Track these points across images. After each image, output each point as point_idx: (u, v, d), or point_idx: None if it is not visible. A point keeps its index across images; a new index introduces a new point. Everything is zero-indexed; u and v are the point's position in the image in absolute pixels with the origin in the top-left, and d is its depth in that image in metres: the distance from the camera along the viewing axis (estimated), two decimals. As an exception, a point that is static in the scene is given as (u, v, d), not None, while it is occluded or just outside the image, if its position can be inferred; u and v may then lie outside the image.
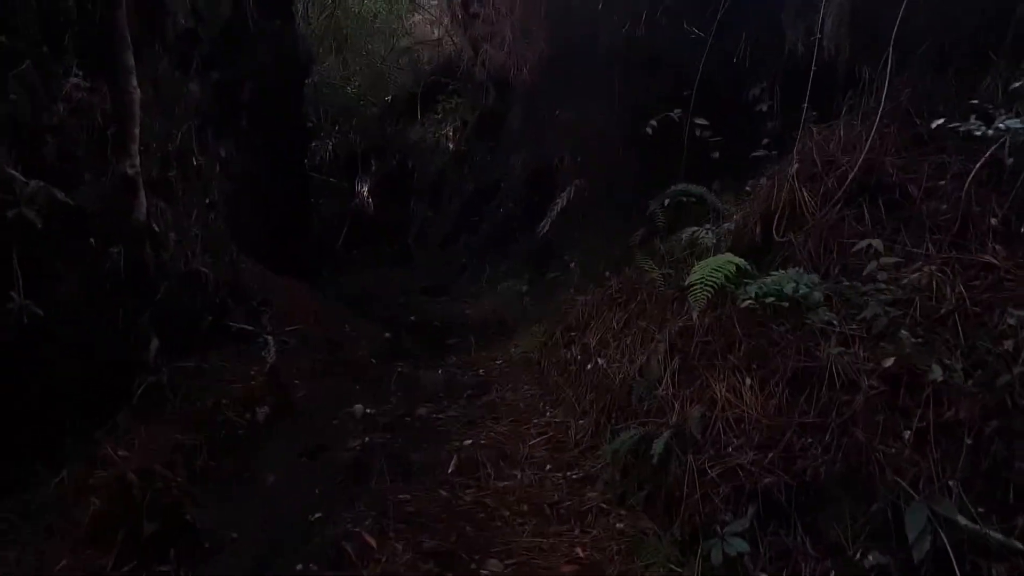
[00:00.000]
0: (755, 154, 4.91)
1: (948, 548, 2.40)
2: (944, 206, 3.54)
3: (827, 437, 2.89)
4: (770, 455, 2.99)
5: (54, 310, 4.18)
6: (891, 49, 3.84)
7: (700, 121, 5.62)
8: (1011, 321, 2.79)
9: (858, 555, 2.59)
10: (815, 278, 3.43)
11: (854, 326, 3.20)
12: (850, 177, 3.80)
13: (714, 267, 3.68)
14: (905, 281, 3.22)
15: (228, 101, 7.48)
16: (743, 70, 5.69)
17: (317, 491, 3.96)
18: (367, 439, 4.51)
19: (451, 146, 12.95)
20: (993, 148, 3.42)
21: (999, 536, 2.39)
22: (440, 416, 5.00)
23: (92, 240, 4.63)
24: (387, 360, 6.42)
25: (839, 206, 3.83)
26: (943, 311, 3.05)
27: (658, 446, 3.34)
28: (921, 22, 4.01)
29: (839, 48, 4.59)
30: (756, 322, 3.59)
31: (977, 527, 2.42)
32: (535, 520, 3.53)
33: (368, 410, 5.03)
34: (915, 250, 3.43)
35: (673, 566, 3.02)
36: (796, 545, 2.75)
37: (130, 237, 4.84)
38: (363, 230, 13.47)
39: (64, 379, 4.27)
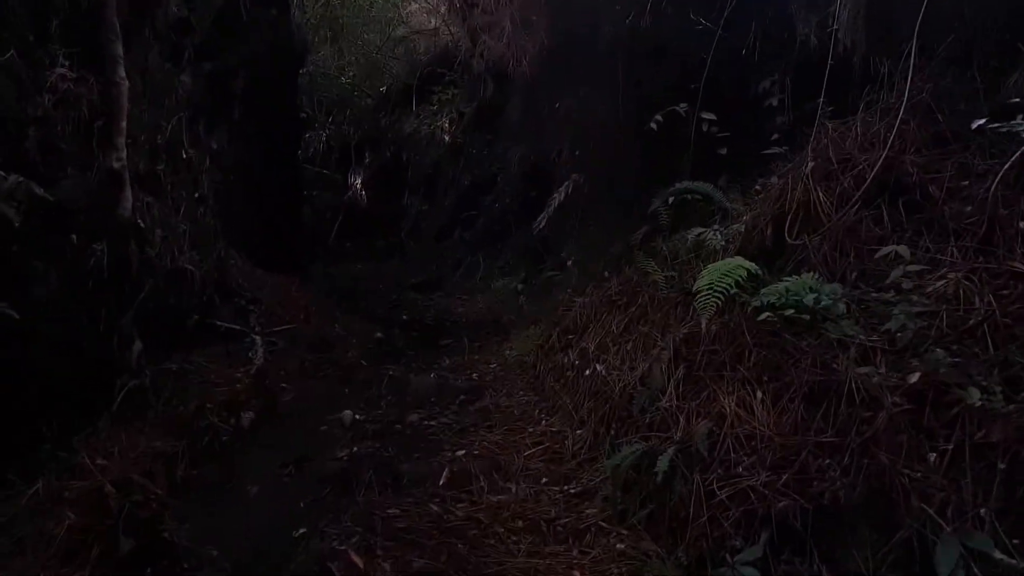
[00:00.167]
0: (767, 151, 4.68)
1: (981, 585, 2.21)
2: (968, 208, 3.33)
3: (846, 458, 2.68)
4: (784, 476, 2.78)
5: (31, 310, 4.02)
6: (914, 41, 3.63)
7: (707, 115, 5.41)
8: (1046, 335, 2.60)
9: (880, 587, 2.40)
10: (837, 288, 3.21)
11: (876, 337, 3.00)
12: (869, 176, 3.58)
13: (723, 272, 3.48)
14: (930, 289, 3.02)
15: (220, 92, 7.29)
16: (752, 63, 5.48)
17: (302, 504, 3.79)
18: (355, 448, 4.34)
19: (447, 138, 12.74)
20: (1023, 149, 3.21)
21: (1038, 572, 2.20)
22: (432, 423, 4.81)
23: (74, 236, 4.49)
24: (378, 362, 6.28)
25: (856, 207, 3.61)
26: (971, 322, 2.85)
27: (662, 463, 3.14)
28: (943, 14, 3.80)
29: (855, 42, 4.37)
30: (768, 331, 3.38)
31: (1014, 562, 2.24)
32: (531, 538, 3.34)
33: (357, 416, 4.87)
34: (939, 256, 3.22)
35: (679, 593, 2.84)
36: (813, 575, 2.56)
37: (114, 233, 4.71)
38: (356, 223, 13.30)
39: (41, 383, 4.14)
